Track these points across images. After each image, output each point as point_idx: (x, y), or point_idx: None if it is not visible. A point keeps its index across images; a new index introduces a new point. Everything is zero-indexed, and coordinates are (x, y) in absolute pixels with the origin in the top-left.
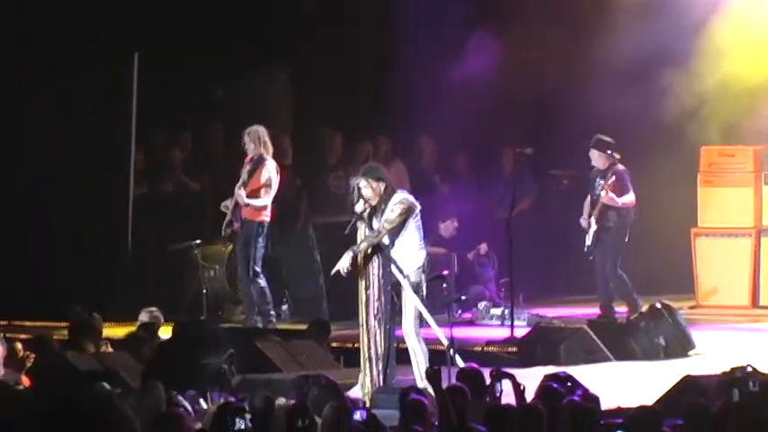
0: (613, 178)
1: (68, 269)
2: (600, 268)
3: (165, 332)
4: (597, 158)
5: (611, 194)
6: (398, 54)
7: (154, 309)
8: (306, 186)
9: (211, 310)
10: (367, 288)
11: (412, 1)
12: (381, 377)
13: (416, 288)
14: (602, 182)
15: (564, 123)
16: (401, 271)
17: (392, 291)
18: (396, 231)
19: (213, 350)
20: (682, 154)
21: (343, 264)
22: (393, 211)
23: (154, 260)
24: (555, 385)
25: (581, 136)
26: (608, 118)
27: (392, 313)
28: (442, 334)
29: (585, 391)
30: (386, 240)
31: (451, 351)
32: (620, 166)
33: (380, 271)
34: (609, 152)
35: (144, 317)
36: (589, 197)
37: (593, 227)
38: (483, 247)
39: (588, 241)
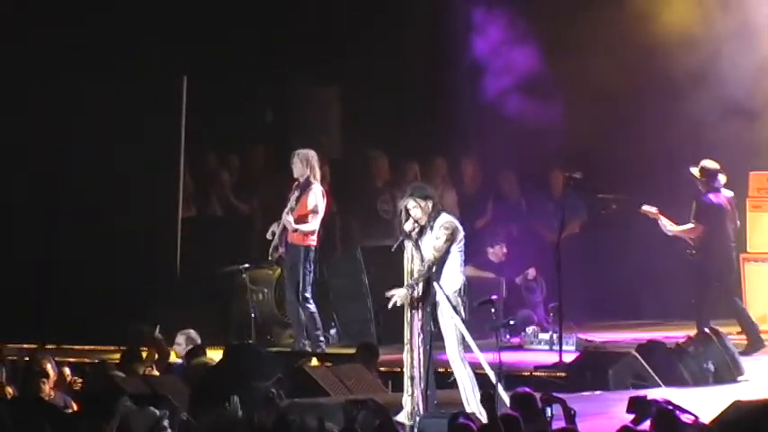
0: (694, 206)
1: (117, 292)
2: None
3: (214, 355)
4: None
5: (664, 222)
6: (448, 76)
7: (191, 330)
8: (339, 211)
9: (260, 334)
10: (412, 307)
11: (462, 23)
12: (422, 399)
13: (455, 311)
14: None
15: (614, 148)
16: (442, 289)
17: (431, 313)
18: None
19: (261, 374)
20: (731, 179)
21: (399, 296)
22: (438, 238)
23: (202, 283)
24: (670, 407)
25: (630, 160)
26: (658, 142)
27: (431, 336)
28: (483, 358)
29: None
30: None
31: (496, 380)
32: (708, 196)
33: (423, 290)
34: (703, 179)
35: (180, 339)
36: None
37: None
38: (531, 272)
39: None
